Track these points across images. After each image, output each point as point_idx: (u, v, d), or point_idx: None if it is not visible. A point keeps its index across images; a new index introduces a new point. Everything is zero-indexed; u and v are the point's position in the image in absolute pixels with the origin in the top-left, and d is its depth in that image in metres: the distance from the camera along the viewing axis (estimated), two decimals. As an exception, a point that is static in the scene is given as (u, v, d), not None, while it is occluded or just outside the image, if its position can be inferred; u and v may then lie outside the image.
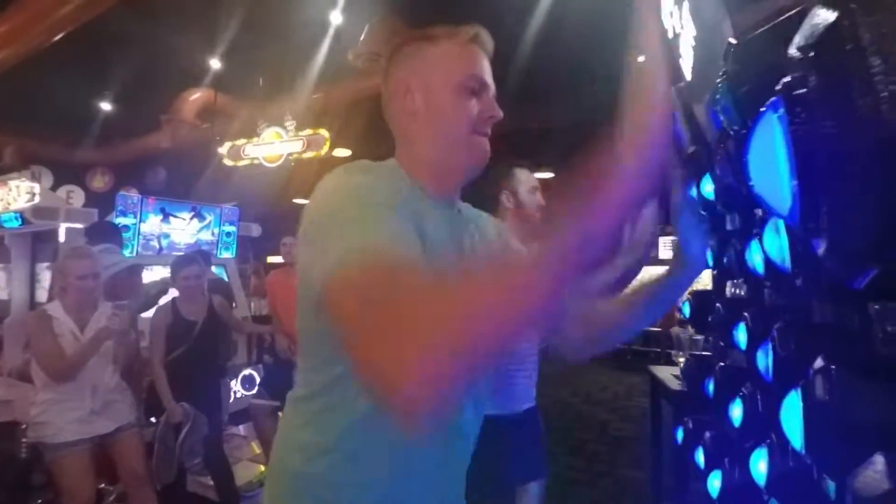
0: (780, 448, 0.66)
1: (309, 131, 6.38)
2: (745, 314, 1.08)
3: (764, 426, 0.86)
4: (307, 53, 6.02)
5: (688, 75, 1.05)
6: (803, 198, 0.39)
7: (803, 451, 0.52)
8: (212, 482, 2.51)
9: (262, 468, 3.04)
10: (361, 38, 5.34)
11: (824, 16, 0.36)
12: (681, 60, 1.07)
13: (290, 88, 6.45)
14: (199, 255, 2.94)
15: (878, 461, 0.37)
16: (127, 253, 3.34)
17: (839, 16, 0.35)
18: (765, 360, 0.82)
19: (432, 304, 0.43)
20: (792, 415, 0.54)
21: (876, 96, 0.32)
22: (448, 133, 0.71)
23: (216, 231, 4.45)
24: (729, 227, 1.19)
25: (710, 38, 0.79)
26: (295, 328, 3.11)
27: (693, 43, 0.91)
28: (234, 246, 4.63)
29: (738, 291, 1.62)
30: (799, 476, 0.58)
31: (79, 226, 3.32)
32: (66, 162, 8.16)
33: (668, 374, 2.18)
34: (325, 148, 6.23)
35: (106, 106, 7.61)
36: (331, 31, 5.65)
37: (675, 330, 2.84)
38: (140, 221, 3.82)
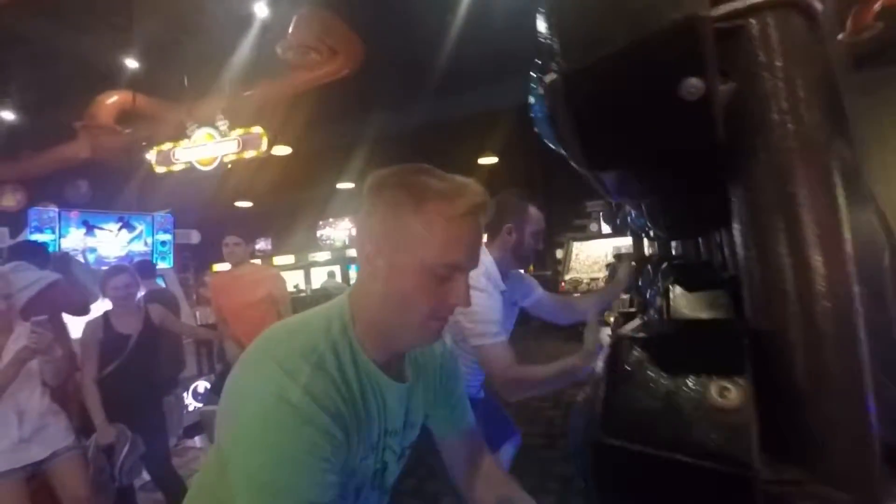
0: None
1: (244, 130, 6.12)
2: (647, 266, 1.21)
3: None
4: (234, 48, 5.76)
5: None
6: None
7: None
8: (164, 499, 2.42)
9: (222, 477, 2.97)
10: (290, 31, 5.18)
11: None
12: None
13: (219, 86, 6.15)
14: (132, 266, 2.79)
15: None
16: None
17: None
18: (653, 296, 0.94)
19: None
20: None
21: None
22: (402, 313, 0.64)
23: (149, 240, 4.22)
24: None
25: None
26: (243, 333, 3.07)
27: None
28: (171, 255, 4.41)
29: (651, 250, 1.77)
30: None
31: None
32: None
33: (604, 334, 2.35)
34: (263, 146, 6.01)
35: (8, 116, 6.91)
36: (257, 24, 5.42)
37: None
38: (60, 237, 3.55)
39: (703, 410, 0.33)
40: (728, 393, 0.33)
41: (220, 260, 3.07)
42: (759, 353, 0.36)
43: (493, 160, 9.21)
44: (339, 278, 9.75)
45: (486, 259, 1.47)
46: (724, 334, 0.39)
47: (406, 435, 0.75)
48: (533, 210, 1.54)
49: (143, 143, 6.55)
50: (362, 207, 0.65)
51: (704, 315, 0.51)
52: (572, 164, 0.50)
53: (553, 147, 0.56)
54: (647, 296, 0.99)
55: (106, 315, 2.31)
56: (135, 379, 2.25)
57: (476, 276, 1.43)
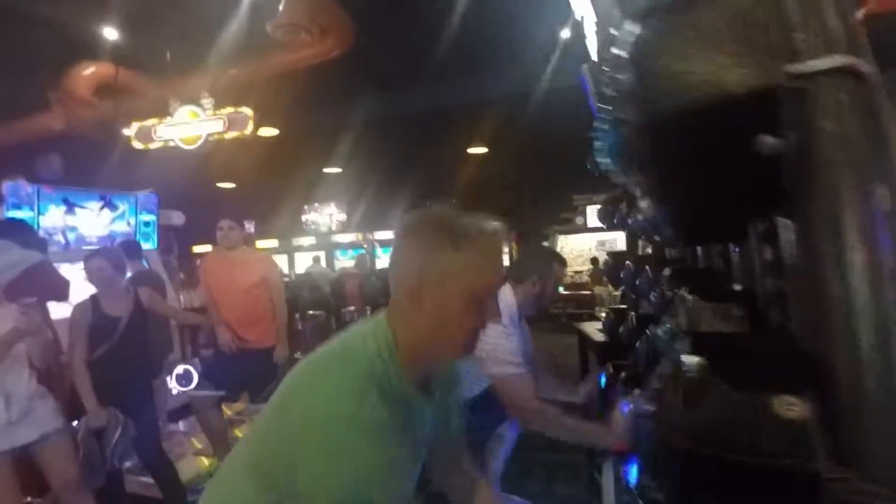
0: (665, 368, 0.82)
1: (230, 109, 5.95)
2: (646, 267, 1.26)
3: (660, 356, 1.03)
4: (221, 24, 5.56)
5: (593, 55, 1.17)
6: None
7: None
8: (154, 481, 2.42)
9: (207, 461, 2.96)
10: (280, 9, 5.03)
11: (630, 30, 0.47)
12: (587, 41, 1.18)
13: (204, 63, 5.94)
14: (112, 249, 2.71)
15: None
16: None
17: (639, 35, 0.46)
18: (654, 298, 0.99)
19: None
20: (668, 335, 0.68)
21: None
22: (447, 338, 0.72)
23: (132, 221, 4.10)
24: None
25: (605, 23, 0.90)
26: (233, 315, 3.03)
27: (594, 28, 1.01)
28: (155, 236, 4.30)
29: (646, 250, 1.83)
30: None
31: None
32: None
33: (593, 329, 2.43)
34: (249, 127, 5.87)
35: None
36: (245, 1, 5.24)
37: (598, 289, 3.12)
38: (39, 214, 3.42)
39: (773, 421, 0.38)
40: (793, 407, 0.38)
41: (203, 242, 3.00)
42: (813, 372, 0.40)
43: (482, 150, 9.21)
44: (323, 263, 9.67)
45: (511, 301, 1.60)
46: (785, 354, 0.45)
47: (423, 452, 0.81)
48: (557, 266, 1.70)
49: (123, 119, 6.31)
50: (398, 248, 0.73)
51: (721, 328, 0.55)
52: (629, 189, 0.53)
53: (615, 178, 0.58)
54: (652, 298, 1.03)
55: (94, 298, 2.26)
56: (125, 362, 2.21)
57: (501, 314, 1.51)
